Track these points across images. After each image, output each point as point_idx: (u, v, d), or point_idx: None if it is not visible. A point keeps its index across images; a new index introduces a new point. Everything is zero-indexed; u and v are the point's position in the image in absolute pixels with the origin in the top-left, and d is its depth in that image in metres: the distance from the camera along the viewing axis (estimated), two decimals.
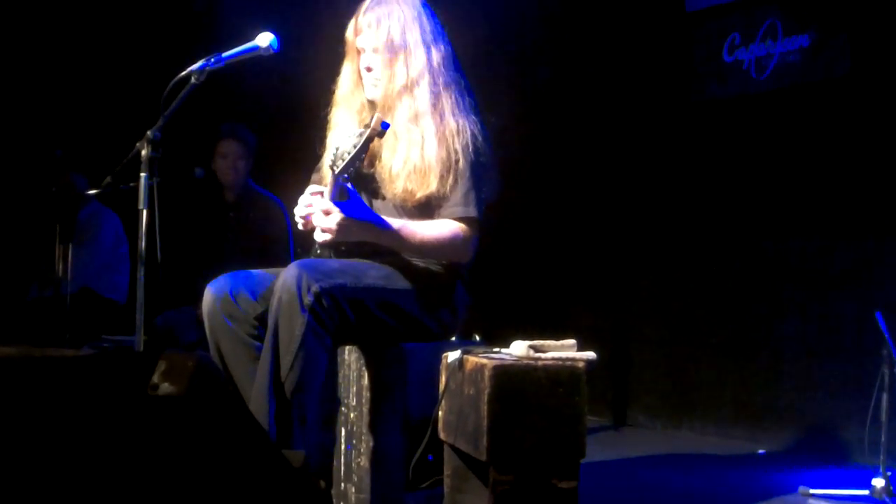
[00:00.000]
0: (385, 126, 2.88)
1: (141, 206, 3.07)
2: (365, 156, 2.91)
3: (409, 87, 3.11)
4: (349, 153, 2.86)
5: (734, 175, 5.13)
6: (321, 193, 3.03)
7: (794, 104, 4.84)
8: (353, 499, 3.11)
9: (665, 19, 5.47)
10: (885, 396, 3.57)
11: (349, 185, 2.96)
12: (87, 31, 6.52)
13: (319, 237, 2.97)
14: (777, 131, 4.93)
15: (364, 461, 3.07)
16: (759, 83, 5.00)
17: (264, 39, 3.10)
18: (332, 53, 3.38)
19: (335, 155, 2.89)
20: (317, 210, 2.96)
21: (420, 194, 3.05)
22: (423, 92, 3.10)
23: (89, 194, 5.40)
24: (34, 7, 6.41)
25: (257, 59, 3.16)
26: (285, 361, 2.79)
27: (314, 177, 3.34)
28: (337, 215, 2.91)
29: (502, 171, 3.22)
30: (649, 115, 5.58)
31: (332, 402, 3.14)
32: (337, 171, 2.88)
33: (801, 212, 4.80)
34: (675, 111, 5.43)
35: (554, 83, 6.10)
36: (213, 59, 3.11)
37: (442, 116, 3.08)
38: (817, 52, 4.73)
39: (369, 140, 2.87)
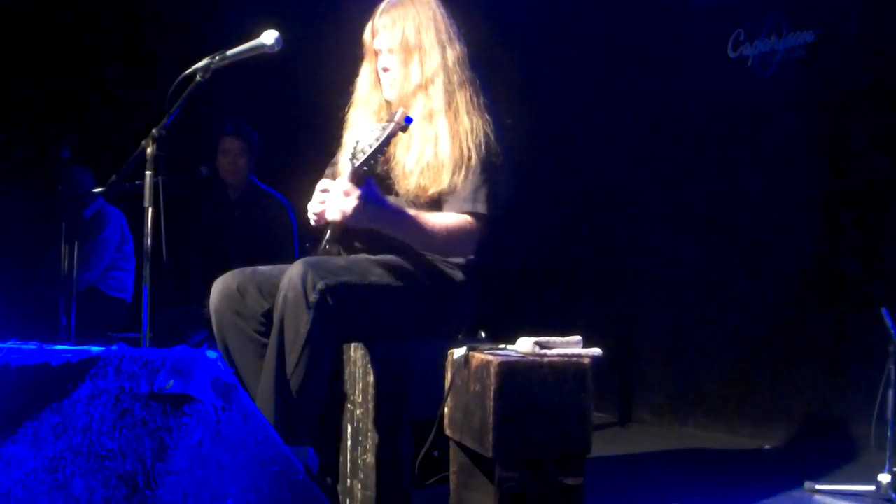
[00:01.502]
0: (409, 120, 2.88)
1: (146, 203, 3.07)
2: (387, 149, 2.90)
3: (423, 86, 3.13)
4: (371, 146, 2.85)
5: (738, 173, 5.12)
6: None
7: (798, 101, 4.83)
8: (359, 495, 3.12)
9: (668, 16, 5.46)
10: (890, 392, 3.56)
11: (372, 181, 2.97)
12: (93, 30, 6.54)
13: (334, 216, 2.91)
14: (781, 128, 4.92)
15: (370, 458, 3.08)
16: (763, 80, 4.99)
17: (269, 37, 3.11)
18: (337, 52, 3.39)
19: (355, 149, 2.88)
20: (334, 191, 2.92)
21: (433, 190, 3.07)
22: (438, 90, 3.12)
23: (95, 192, 5.41)
24: (40, 7, 6.42)
25: (262, 57, 3.17)
26: (291, 359, 2.80)
27: (328, 171, 3.36)
28: (355, 195, 2.87)
29: (512, 168, 3.22)
30: (653, 113, 5.57)
31: (337, 399, 3.15)
32: (357, 163, 2.87)
33: (805, 209, 4.79)
34: (678, 109, 5.42)
35: (556, 79, 6.09)
36: (217, 57, 3.11)
37: (456, 115, 3.11)
38: (822, 48, 4.72)
39: (392, 134, 2.87)
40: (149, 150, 3.07)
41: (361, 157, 2.85)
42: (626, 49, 5.71)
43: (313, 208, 3.06)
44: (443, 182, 3.05)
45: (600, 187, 5.89)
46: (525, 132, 5.45)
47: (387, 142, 2.86)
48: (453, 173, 3.05)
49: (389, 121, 2.89)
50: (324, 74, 3.54)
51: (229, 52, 3.12)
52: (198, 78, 3.07)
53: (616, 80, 5.77)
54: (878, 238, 4.47)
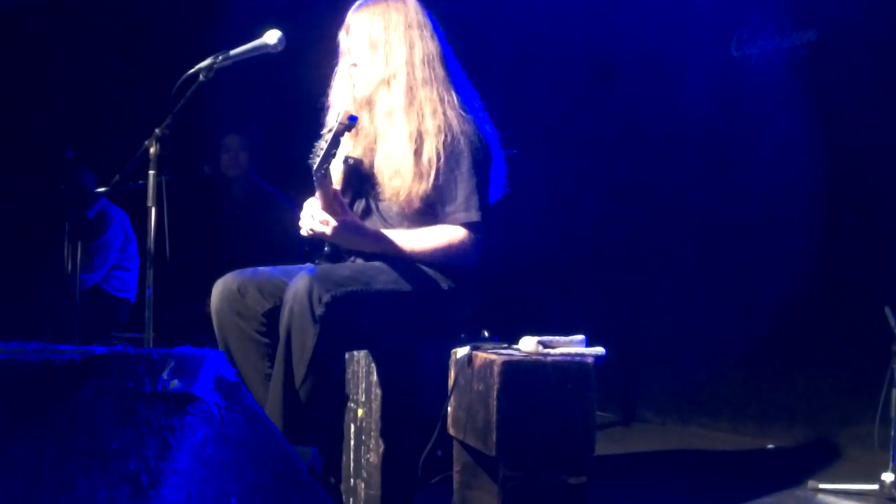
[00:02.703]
0: (353, 119, 2.86)
1: (150, 203, 3.08)
2: (336, 151, 2.87)
3: (386, 81, 3.08)
4: (322, 149, 2.85)
5: (740, 172, 5.12)
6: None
7: (801, 100, 4.83)
8: (362, 495, 3.12)
9: (671, 14, 5.45)
10: (894, 392, 3.56)
11: (339, 197, 2.97)
12: (96, 29, 6.54)
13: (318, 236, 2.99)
14: (784, 127, 4.91)
15: (374, 457, 3.08)
16: (766, 79, 4.98)
17: (272, 37, 3.11)
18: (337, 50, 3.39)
19: (313, 153, 2.89)
20: (313, 217, 2.96)
21: (404, 195, 3.00)
22: (399, 86, 3.06)
23: (98, 192, 5.42)
24: (43, 7, 6.43)
25: (265, 57, 3.17)
26: (299, 373, 2.79)
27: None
28: (330, 225, 2.92)
29: (511, 168, 3.21)
30: (655, 112, 5.57)
31: (340, 398, 3.15)
32: (314, 168, 2.87)
33: (808, 208, 4.79)
34: (681, 107, 5.42)
35: (558, 77, 6.09)
36: (220, 57, 3.11)
37: (420, 114, 3.03)
38: (825, 47, 4.71)
39: (338, 134, 2.84)
40: (152, 150, 3.07)
41: (316, 161, 2.85)
42: (629, 47, 5.71)
43: (304, 223, 3.07)
44: (407, 185, 2.99)
45: (603, 186, 5.89)
46: (526, 132, 5.48)
47: (334, 143, 2.83)
48: (418, 177, 2.99)
49: (335, 122, 2.88)
50: (324, 74, 3.53)
51: (232, 52, 3.12)
52: (201, 77, 3.07)
53: (619, 78, 5.76)
54: (882, 237, 4.47)
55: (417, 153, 3.00)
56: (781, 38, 4.91)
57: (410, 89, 3.06)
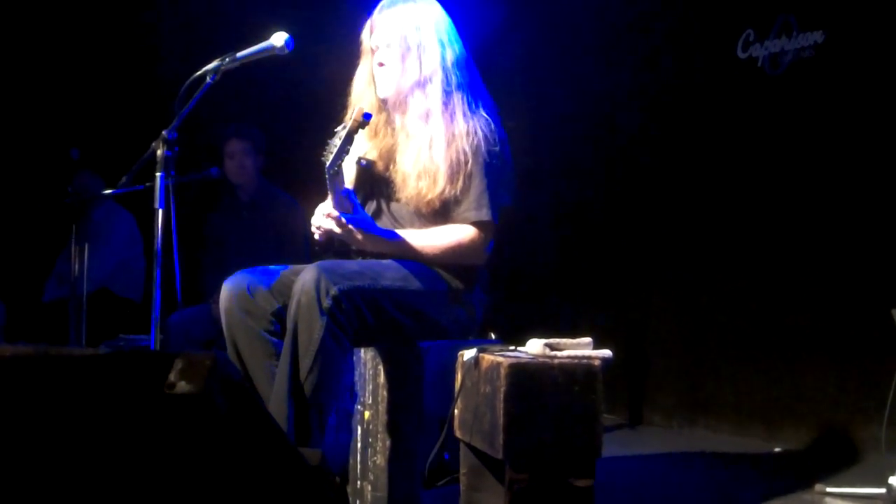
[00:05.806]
0: (367, 117, 2.87)
1: (156, 205, 3.09)
2: (350, 148, 2.89)
3: (421, 84, 3.11)
4: (336, 146, 2.86)
5: (747, 173, 5.11)
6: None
7: (808, 101, 4.82)
8: (369, 497, 3.12)
9: (676, 16, 5.45)
10: None
11: (352, 195, 2.98)
12: (103, 31, 6.55)
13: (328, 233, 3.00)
14: (791, 128, 4.91)
15: (380, 459, 3.08)
16: (773, 80, 4.98)
17: (279, 39, 3.11)
18: (341, 52, 3.39)
19: (326, 150, 2.90)
20: (324, 215, 2.97)
21: (430, 196, 3.04)
22: (436, 89, 3.10)
23: (104, 194, 5.43)
24: (49, 8, 6.44)
25: (272, 59, 3.18)
26: (304, 364, 2.80)
27: None
28: (342, 222, 2.94)
29: (519, 171, 3.22)
30: (661, 114, 5.56)
31: (348, 400, 3.15)
32: (326, 165, 2.88)
33: (815, 208, 4.78)
34: (687, 110, 5.42)
35: (563, 80, 6.08)
36: (227, 59, 3.12)
37: (452, 116, 3.08)
38: (832, 48, 4.70)
39: (352, 132, 2.86)
40: (159, 152, 3.08)
41: (329, 159, 2.86)
42: (634, 50, 5.70)
43: (315, 222, 3.07)
44: (439, 187, 3.03)
45: (607, 189, 5.88)
46: (532, 135, 5.48)
47: (348, 140, 2.85)
48: (449, 178, 3.03)
49: (349, 120, 2.89)
50: (328, 76, 3.54)
51: (239, 54, 3.13)
52: (208, 80, 3.08)
53: (623, 80, 5.76)
54: (889, 238, 4.46)
55: (448, 156, 3.03)
56: (788, 40, 4.90)
57: (445, 93, 3.10)
